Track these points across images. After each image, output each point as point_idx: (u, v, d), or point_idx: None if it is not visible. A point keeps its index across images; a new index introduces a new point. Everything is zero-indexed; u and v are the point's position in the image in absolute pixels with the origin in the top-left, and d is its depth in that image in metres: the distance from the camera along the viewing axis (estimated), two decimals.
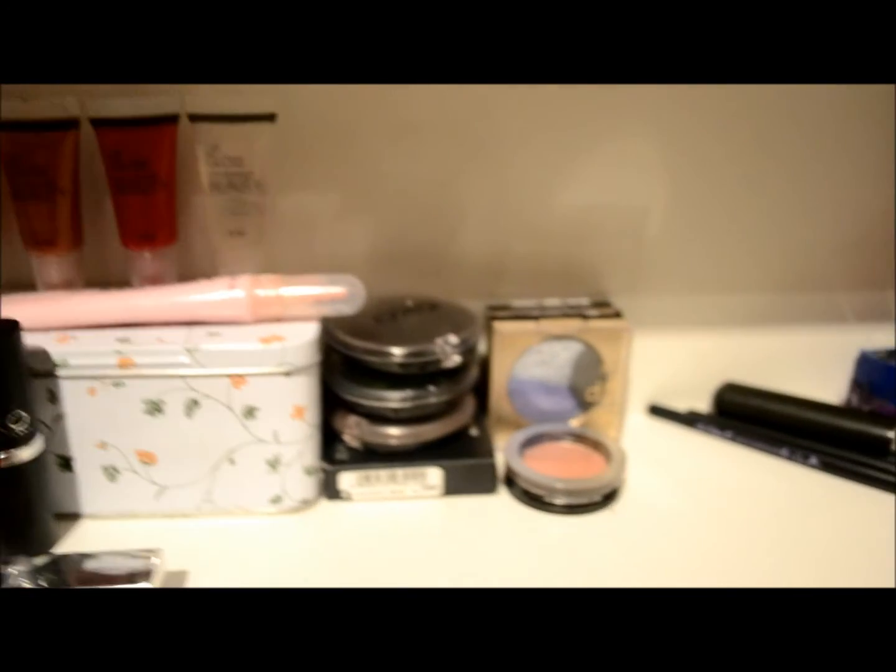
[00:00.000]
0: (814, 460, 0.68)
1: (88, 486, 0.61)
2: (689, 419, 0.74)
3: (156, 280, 0.63)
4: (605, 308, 0.70)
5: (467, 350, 0.63)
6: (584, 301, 0.71)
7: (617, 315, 0.69)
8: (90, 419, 0.59)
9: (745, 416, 0.73)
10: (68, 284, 0.63)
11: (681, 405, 0.76)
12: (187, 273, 0.63)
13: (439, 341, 0.62)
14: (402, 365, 0.61)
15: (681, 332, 0.75)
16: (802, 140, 0.69)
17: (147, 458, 0.60)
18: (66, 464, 0.60)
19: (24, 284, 0.64)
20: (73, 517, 0.61)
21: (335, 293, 0.60)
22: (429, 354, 0.61)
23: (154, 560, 0.51)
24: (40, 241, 0.62)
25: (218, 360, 0.57)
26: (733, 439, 0.72)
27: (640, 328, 0.72)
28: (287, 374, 0.58)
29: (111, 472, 0.60)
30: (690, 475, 0.68)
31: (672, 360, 0.76)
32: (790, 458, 0.69)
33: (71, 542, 0.59)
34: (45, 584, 0.49)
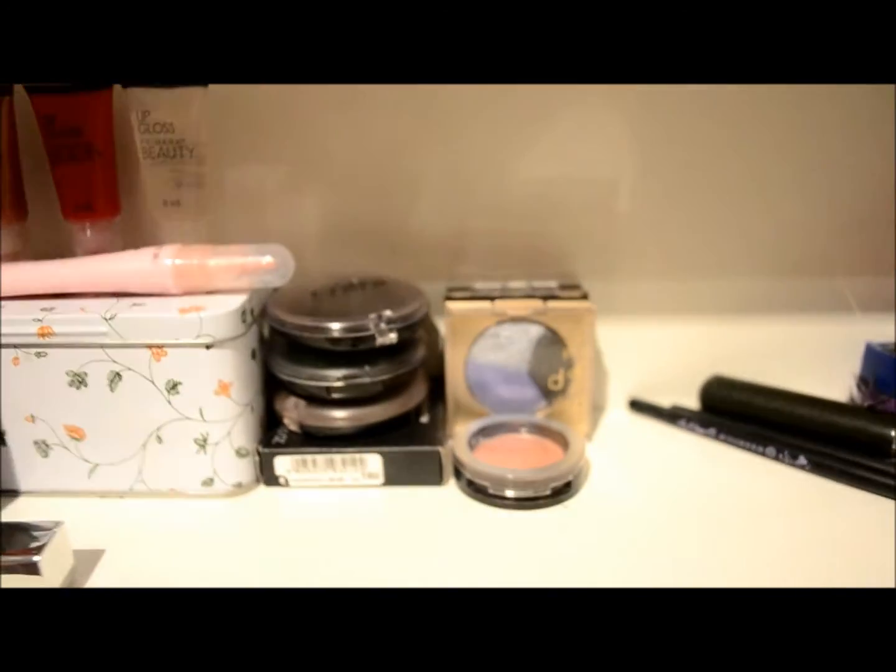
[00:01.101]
0: (803, 460, 0.61)
1: (22, 462, 0.60)
2: (672, 415, 0.68)
3: (98, 253, 0.62)
4: (572, 291, 0.65)
5: (408, 327, 0.59)
6: (551, 284, 0.67)
7: (582, 297, 0.64)
8: (17, 391, 0.58)
9: (733, 412, 0.67)
10: (14, 258, 0.63)
11: (665, 401, 0.70)
12: (133, 248, 0.61)
13: (373, 317, 0.58)
14: (333, 341, 0.58)
15: (664, 321, 0.69)
16: (798, 106, 0.63)
17: (75, 434, 0.58)
18: None
19: None
20: (11, 494, 0.61)
21: (262, 263, 0.57)
22: (361, 330, 0.58)
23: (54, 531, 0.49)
24: None
25: (136, 329, 0.55)
26: (717, 437, 0.65)
27: (619, 315, 0.67)
28: (207, 346, 0.56)
29: (43, 448, 0.59)
30: (664, 474, 0.62)
31: (655, 351, 0.70)
32: (777, 457, 0.62)
33: (3, 517, 0.58)
34: None
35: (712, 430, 0.66)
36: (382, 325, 0.58)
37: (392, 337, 0.58)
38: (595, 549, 0.53)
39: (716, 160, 0.64)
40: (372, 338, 0.58)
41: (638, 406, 0.70)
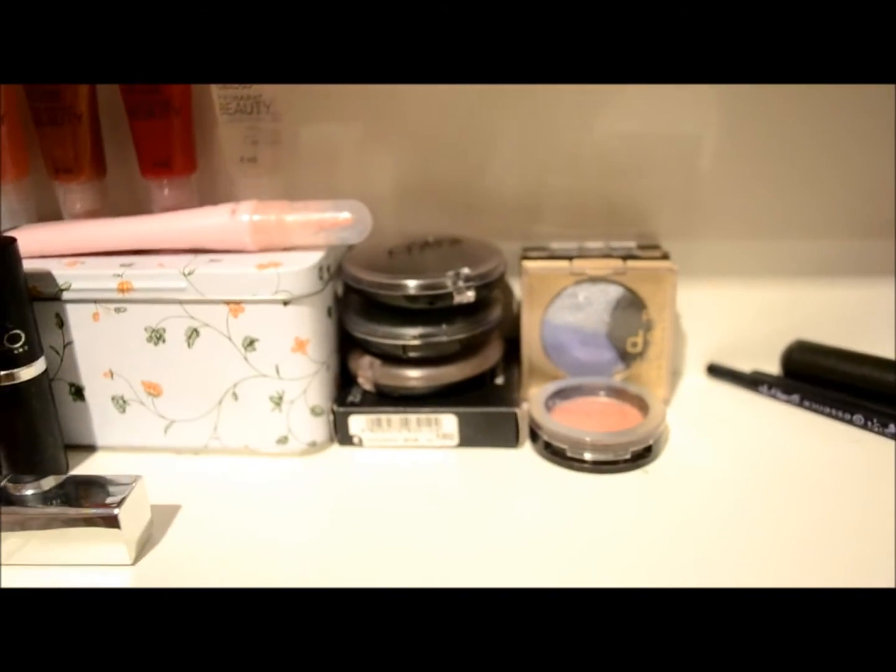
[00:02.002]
0: (893, 428, 0.58)
1: (100, 417, 0.60)
2: (752, 380, 0.66)
3: (175, 210, 0.62)
4: (652, 251, 0.63)
5: (485, 286, 0.58)
6: (630, 244, 0.65)
7: (663, 257, 0.62)
8: (96, 346, 0.58)
9: (817, 378, 0.64)
10: (92, 215, 0.63)
11: (745, 366, 0.68)
12: (209, 204, 0.61)
13: (451, 274, 0.57)
14: (409, 298, 0.57)
15: (745, 283, 0.67)
16: None
17: (153, 390, 0.59)
18: (78, 393, 0.59)
19: (55, 216, 0.64)
20: (88, 449, 0.61)
21: (340, 220, 0.56)
22: (439, 288, 0.57)
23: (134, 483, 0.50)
24: (61, 169, 0.61)
25: (214, 285, 0.55)
26: (801, 404, 0.63)
27: (697, 277, 0.65)
28: (285, 303, 0.55)
29: (120, 403, 0.59)
30: (745, 441, 0.60)
31: (735, 314, 0.68)
32: (865, 426, 0.60)
33: (81, 472, 0.59)
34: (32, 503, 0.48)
35: (796, 397, 0.63)
36: (460, 283, 0.57)
37: (470, 295, 0.57)
38: (675, 516, 0.51)
39: (803, 117, 0.62)
40: (450, 296, 0.57)
41: (717, 371, 0.68)
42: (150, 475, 0.52)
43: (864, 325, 0.66)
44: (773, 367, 0.68)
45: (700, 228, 0.65)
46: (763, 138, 0.63)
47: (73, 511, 0.48)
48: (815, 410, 0.63)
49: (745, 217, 0.65)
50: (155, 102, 0.59)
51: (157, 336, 0.57)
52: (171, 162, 0.61)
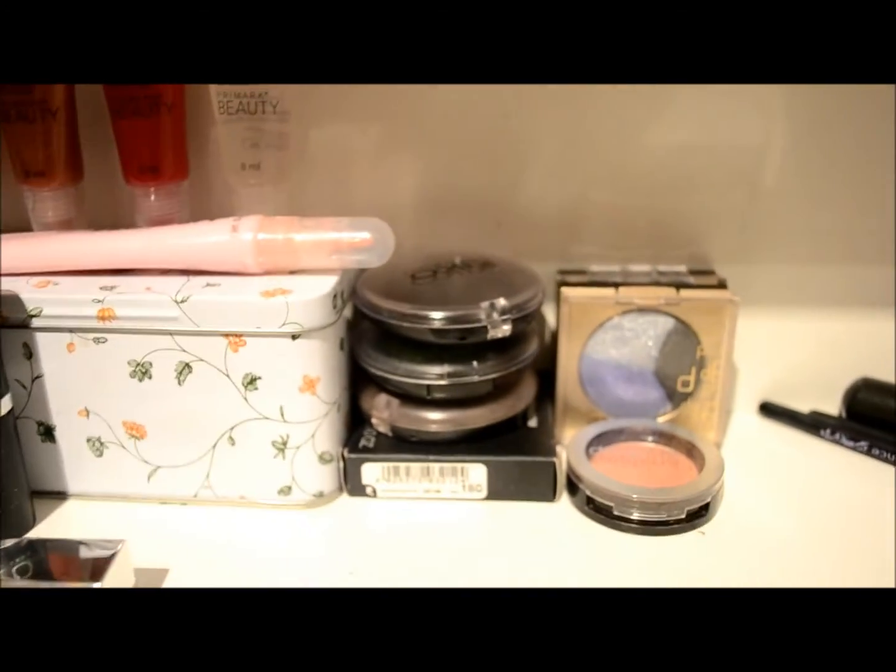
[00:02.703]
0: None
1: (73, 461, 0.53)
2: (812, 423, 0.59)
3: (163, 223, 0.54)
4: (705, 277, 0.56)
5: (523, 318, 0.51)
6: (680, 268, 0.58)
7: (720, 285, 0.55)
8: (71, 381, 0.50)
9: (884, 422, 0.57)
10: (67, 226, 0.55)
11: (801, 405, 0.61)
12: (202, 217, 0.53)
13: (485, 305, 0.49)
14: (437, 332, 0.49)
15: (805, 313, 0.60)
16: None
17: (135, 431, 0.51)
18: (47, 433, 0.52)
19: (23, 227, 0.56)
20: (58, 496, 0.54)
21: (358, 241, 0.49)
22: (472, 321, 0.49)
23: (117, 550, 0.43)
24: (31, 173, 0.54)
25: (212, 315, 0.47)
26: (868, 452, 0.56)
27: (752, 305, 0.58)
28: (294, 336, 0.47)
29: (97, 446, 0.52)
30: (810, 495, 0.53)
31: (792, 347, 0.61)
32: None
33: (50, 525, 0.51)
34: None
35: (864, 444, 0.56)
36: (495, 316, 0.49)
37: (506, 329, 0.50)
38: (739, 584, 0.45)
39: (879, 130, 0.55)
40: (483, 329, 0.50)
41: (771, 410, 0.61)
42: (130, 528, 0.48)
43: None
44: (831, 408, 0.61)
45: (758, 252, 0.58)
46: (832, 152, 0.56)
47: (44, 586, 0.41)
48: (884, 460, 0.56)
49: (807, 240, 0.58)
50: (142, 98, 0.52)
51: (142, 371, 0.49)
52: (160, 167, 0.54)
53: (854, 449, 0.57)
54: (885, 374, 0.60)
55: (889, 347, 0.60)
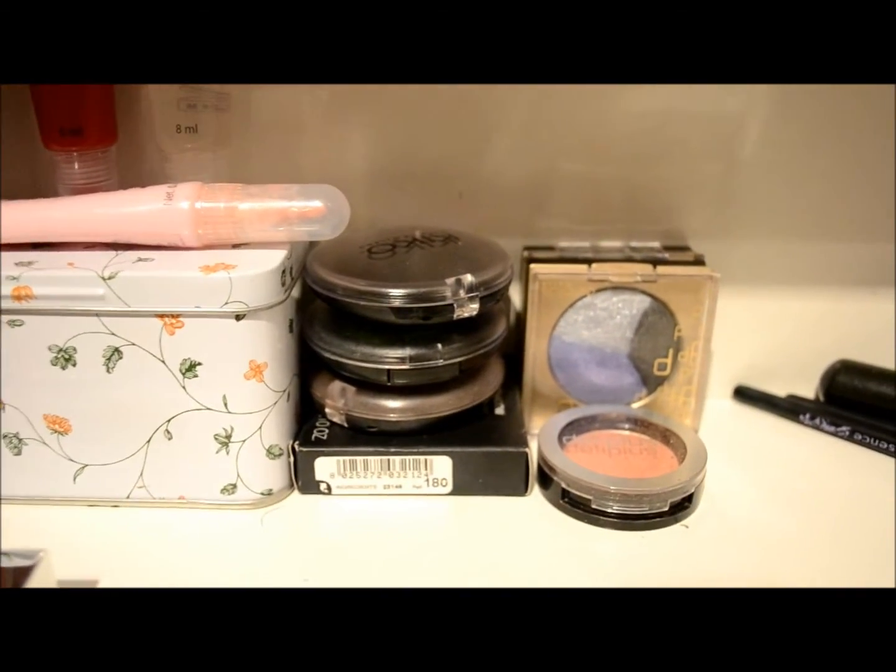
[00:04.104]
0: None
1: None
2: (791, 408, 0.56)
3: (88, 192, 0.48)
4: (681, 253, 0.53)
5: (491, 296, 0.47)
6: (653, 244, 0.55)
7: (697, 261, 0.52)
8: None
9: (864, 405, 0.55)
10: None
11: (776, 388, 0.58)
12: (133, 185, 0.47)
13: (451, 282, 0.45)
14: (398, 311, 0.45)
15: (782, 292, 0.57)
16: None
17: (58, 426, 0.46)
18: None
19: None
20: None
21: (309, 209, 0.44)
22: (436, 299, 0.45)
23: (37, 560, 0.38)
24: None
25: (144, 293, 0.42)
26: (850, 437, 0.54)
27: (727, 284, 0.54)
28: (238, 316, 0.42)
29: (14, 443, 0.47)
30: (793, 484, 0.50)
31: (769, 327, 0.58)
32: None
33: None
34: None
35: (845, 429, 0.54)
36: (462, 293, 0.45)
37: (473, 308, 0.46)
38: (727, 578, 0.42)
39: (867, 103, 0.52)
40: (449, 308, 0.45)
41: (746, 394, 0.58)
42: (54, 535, 0.44)
43: None
44: (807, 391, 0.58)
45: (734, 227, 0.55)
46: (818, 122, 0.53)
47: None
48: (867, 445, 0.53)
49: (787, 215, 0.55)
50: None
51: (65, 357, 0.44)
52: (83, 129, 0.48)
53: (835, 434, 0.54)
54: (862, 356, 0.57)
55: (868, 328, 0.57)
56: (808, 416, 0.55)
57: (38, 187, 0.50)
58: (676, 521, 0.46)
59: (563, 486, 0.46)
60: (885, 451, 0.52)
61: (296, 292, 0.49)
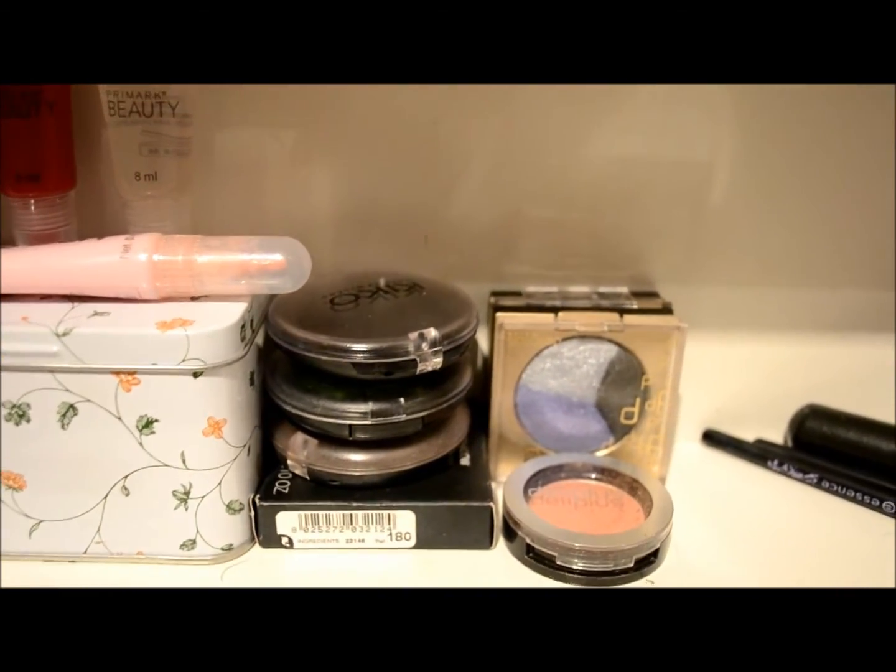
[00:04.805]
0: None
1: None
2: (759, 453, 0.56)
3: (46, 240, 0.47)
4: (648, 300, 0.53)
5: (455, 349, 0.46)
6: (621, 290, 0.54)
7: (665, 309, 0.51)
8: None
9: (832, 451, 0.55)
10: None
11: (744, 432, 0.58)
12: (92, 233, 0.46)
13: (414, 336, 0.44)
14: (360, 366, 0.44)
15: (750, 336, 0.57)
16: None
17: (12, 482, 0.44)
18: None
19: None
20: None
21: (269, 262, 0.43)
22: (399, 354, 0.44)
23: None
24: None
25: (99, 350, 0.41)
26: (818, 484, 0.53)
27: (695, 329, 0.54)
28: (195, 374, 0.42)
29: None
30: (761, 534, 0.50)
31: (738, 371, 0.58)
32: None
33: None
34: None
35: (813, 476, 0.53)
36: (425, 348, 0.44)
37: (437, 362, 0.45)
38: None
39: (833, 149, 0.52)
40: (412, 363, 0.44)
41: (714, 439, 0.58)
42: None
43: (887, 389, 0.56)
44: (776, 436, 0.58)
45: (702, 273, 0.55)
46: (784, 170, 0.53)
47: None
48: (834, 493, 0.53)
49: (754, 261, 0.55)
50: (19, 94, 0.45)
51: (18, 414, 0.43)
52: (41, 175, 0.47)
53: (803, 481, 0.54)
54: (830, 402, 0.57)
55: (836, 373, 0.57)
56: (776, 462, 0.55)
57: None
58: (642, 576, 0.46)
59: (528, 541, 0.46)
60: (853, 500, 0.52)
61: (259, 340, 0.48)
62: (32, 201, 0.47)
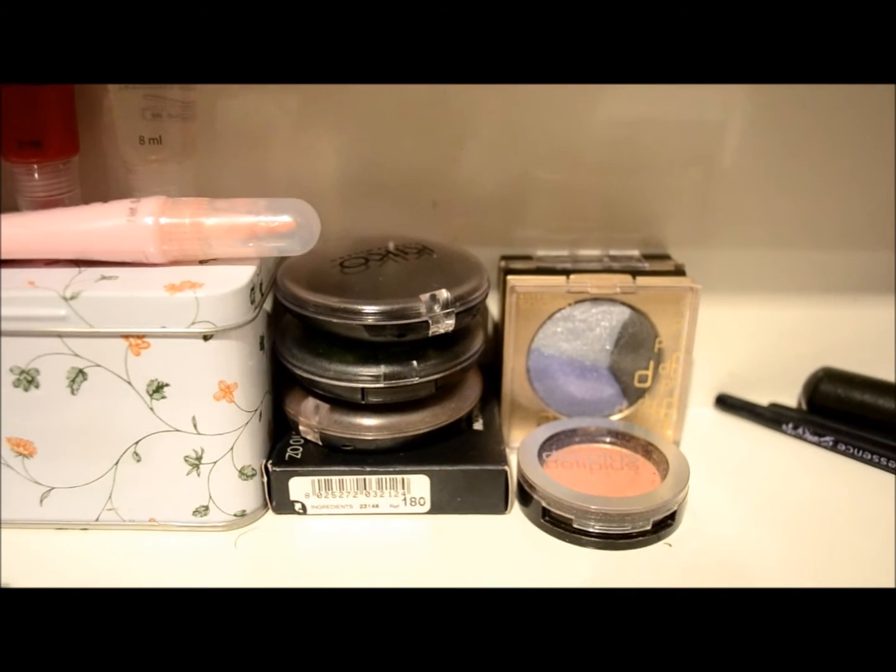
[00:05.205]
0: None
1: None
2: (773, 417, 0.56)
3: (49, 206, 0.47)
4: (660, 262, 0.52)
5: (468, 311, 0.45)
6: (632, 253, 0.54)
7: (677, 271, 0.51)
8: None
9: (847, 414, 0.54)
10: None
11: (757, 396, 0.58)
12: (96, 199, 0.46)
13: (426, 298, 0.44)
14: (371, 329, 0.44)
15: (763, 299, 0.56)
16: None
17: (22, 449, 0.44)
18: None
19: None
20: None
21: (278, 224, 0.42)
22: (411, 316, 0.44)
23: None
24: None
25: (107, 313, 0.41)
26: (834, 447, 0.53)
27: (708, 292, 0.53)
28: (205, 337, 0.41)
29: None
30: (778, 497, 0.49)
31: (751, 335, 0.57)
32: None
33: None
34: None
35: (829, 439, 0.53)
36: (437, 309, 0.44)
37: (449, 324, 0.44)
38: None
39: (852, 107, 0.51)
40: (424, 325, 0.44)
41: (728, 403, 0.57)
42: (21, 559, 0.43)
43: None
44: (789, 399, 0.58)
45: (714, 235, 0.54)
46: (799, 130, 0.52)
47: None
48: (851, 456, 0.52)
49: (769, 223, 0.54)
50: None
51: (27, 379, 0.42)
52: (44, 141, 0.46)
53: (819, 444, 0.53)
54: (844, 363, 0.56)
55: (851, 335, 0.56)
56: (790, 425, 0.54)
57: (0, 200, 0.48)
58: (659, 539, 0.45)
59: (544, 504, 0.45)
60: (869, 462, 0.52)
61: (267, 305, 0.47)
62: (35, 167, 0.47)
